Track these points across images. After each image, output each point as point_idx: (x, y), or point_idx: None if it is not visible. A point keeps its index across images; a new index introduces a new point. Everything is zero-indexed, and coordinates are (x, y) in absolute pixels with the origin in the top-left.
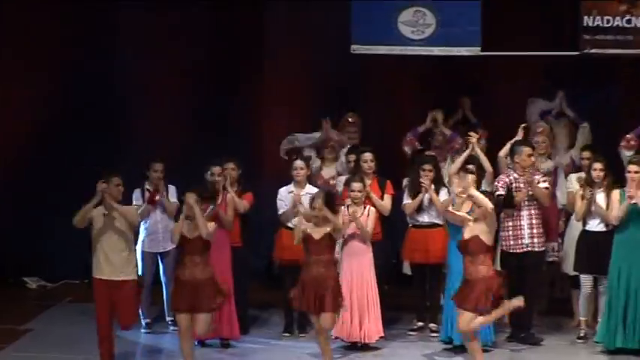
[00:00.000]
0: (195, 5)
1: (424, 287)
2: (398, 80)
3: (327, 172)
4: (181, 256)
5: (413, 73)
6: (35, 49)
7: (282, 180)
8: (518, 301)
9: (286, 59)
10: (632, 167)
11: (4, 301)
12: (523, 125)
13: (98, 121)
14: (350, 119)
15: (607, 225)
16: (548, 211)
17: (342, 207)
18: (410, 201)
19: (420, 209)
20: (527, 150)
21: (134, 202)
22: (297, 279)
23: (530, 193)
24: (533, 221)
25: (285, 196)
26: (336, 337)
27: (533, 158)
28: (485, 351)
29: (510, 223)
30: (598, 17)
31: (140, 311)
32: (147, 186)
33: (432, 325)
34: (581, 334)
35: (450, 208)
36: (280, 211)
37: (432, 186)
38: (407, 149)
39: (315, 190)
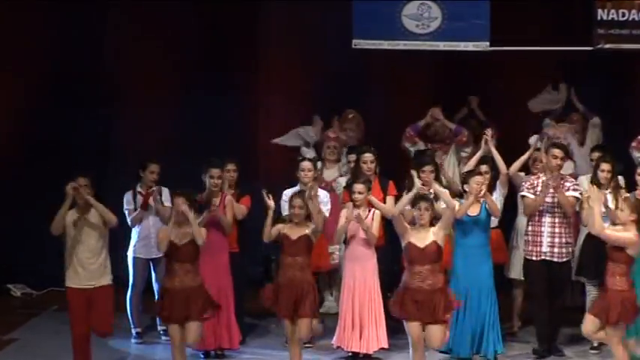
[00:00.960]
0: None
1: None
2: (401, 77)
3: (329, 174)
4: (170, 264)
5: (417, 69)
6: (17, 49)
7: (278, 180)
8: None
9: (285, 54)
10: None
11: None
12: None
13: (87, 121)
14: (350, 116)
15: None
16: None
17: (343, 209)
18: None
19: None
20: (554, 151)
21: (125, 206)
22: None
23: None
24: (556, 230)
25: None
26: (338, 347)
27: (559, 161)
28: None
29: (530, 228)
30: (613, 11)
31: (130, 320)
32: (139, 189)
33: None
34: (595, 344)
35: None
36: (284, 214)
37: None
38: (407, 145)
39: (321, 192)
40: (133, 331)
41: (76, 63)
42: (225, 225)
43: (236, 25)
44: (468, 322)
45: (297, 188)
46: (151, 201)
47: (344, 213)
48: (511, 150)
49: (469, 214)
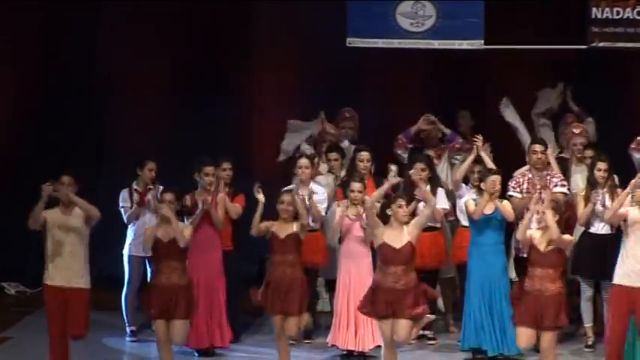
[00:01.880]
0: None
1: None
2: (396, 75)
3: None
4: (156, 261)
5: (412, 67)
6: (12, 49)
7: (273, 178)
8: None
9: (278, 53)
10: None
11: None
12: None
13: (80, 121)
14: (347, 114)
15: (612, 227)
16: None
17: (337, 207)
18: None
19: (414, 213)
20: (534, 147)
21: (121, 204)
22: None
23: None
24: None
25: None
26: (332, 345)
27: (542, 156)
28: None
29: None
30: (607, 9)
31: (125, 318)
32: (135, 186)
33: (427, 333)
34: (589, 343)
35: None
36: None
37: (428, 186)
38: (399, 152)
39: (319, 189)
40: (128, 329)
41: (70, 63)
42: (216, 221)
43: (229, 24)
44: (487, 320)
45: (292, 186)
46: (149, 198)
47: (338, 211)
48: (505, 151)
49: (484, 212)
